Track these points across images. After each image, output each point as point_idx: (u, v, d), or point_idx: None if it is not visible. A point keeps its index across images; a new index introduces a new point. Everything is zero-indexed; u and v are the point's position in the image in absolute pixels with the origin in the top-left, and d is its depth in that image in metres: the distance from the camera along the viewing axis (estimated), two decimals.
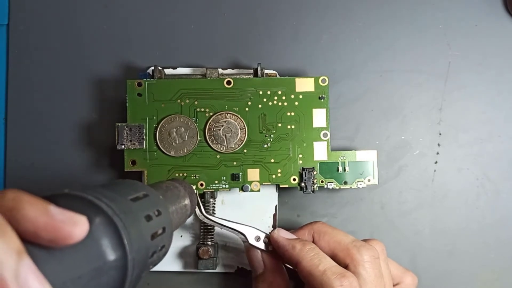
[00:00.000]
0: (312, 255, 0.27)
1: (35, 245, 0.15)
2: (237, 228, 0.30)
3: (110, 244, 0.17)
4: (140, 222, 0.19)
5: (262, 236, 0.30)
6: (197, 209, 0.30)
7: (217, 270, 0.34)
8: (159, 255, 0.21)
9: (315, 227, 0.30)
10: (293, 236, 0.29)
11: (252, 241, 0.29)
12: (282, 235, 0.29)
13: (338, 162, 0.33)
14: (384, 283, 0.28)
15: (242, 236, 0.30)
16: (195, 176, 0.32)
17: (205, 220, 0.30)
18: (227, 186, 0.32)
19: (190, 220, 0.34)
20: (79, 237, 0.16)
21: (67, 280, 0.15)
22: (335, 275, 0.26)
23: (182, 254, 0.34)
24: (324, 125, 0.33)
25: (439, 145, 0.36)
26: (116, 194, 0.19)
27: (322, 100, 0.33)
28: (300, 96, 0.33)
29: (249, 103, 0.32)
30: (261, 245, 0.30)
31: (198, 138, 0.32)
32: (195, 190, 0.32)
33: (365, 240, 0.30)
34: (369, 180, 0.33)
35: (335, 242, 0.28)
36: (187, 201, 0.26)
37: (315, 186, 0.32)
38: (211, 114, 0.32)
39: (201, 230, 0.33)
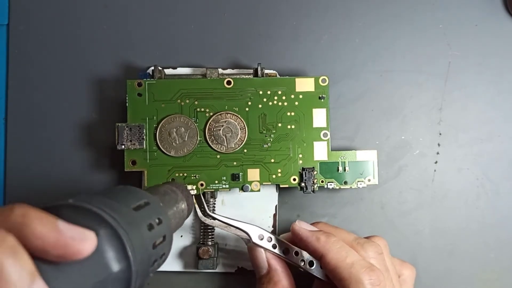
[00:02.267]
0: (338, 248, 0.27)
1: (43, 260, 0.15)
2: (241, 226, 0.29)
3: (115, 256, 0.17)
4: (143, 232, 0.19)
5: (266, 235, 0.29)
6: (198, 211, 0.30)
7: (217, 270, 0.34)
8: (159, 262, 0.21)
9: (318, 227, 0.30)
10: (314, 228, 0.29)
11: (255, 240, 0.29)
12: (304, 226, 0.29)
13: (338, 162, 0.33)
14: (391, 277, 0.28)
15: (245, 235, 0.29)
16: (195, 176, 0.32)
17: (207, 221, 0.30)
18: (227, 186, 0.32)
19: (190, 220, 0.34)
20: (88, 253, 0.16)
21: None
22: (363, 269, 0.26)
23: (182, 254, 0.34)
24: (324, 125, 0.33)
25: (439, 145, 0.36)
26: (119, 204, 0.19)
27: (322, 100, 0.33)
28: (300, 96, 0.33)
29: (249, 103, 0.32)
30: (264, 244, 0.29)
31: (198, 138, 0.32)
32: (194, 191, 0.32)
33: (367, 237, 0.30)
34: (369, 180, 0.33)
35: None
36: (184, 205, 0.26)
37: (315, 186, 0.32)
38: (211, 114, 0.32)
39: (201, 230, 0.33)
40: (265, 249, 0.29)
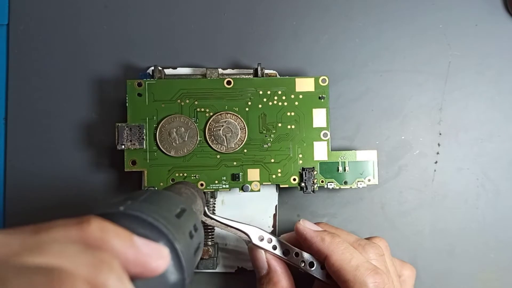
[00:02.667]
0: (343, 249, 0.27)
1: None
2: (241, 228, 0.29)
3: (172, 268, 0.17)
4: (188, 242, 0.19)
5: (266, 236, 0.29)
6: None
7: (217, 270, 0.34)
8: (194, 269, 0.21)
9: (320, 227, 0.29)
10: (318, 228, 0.29)
11: (255, 241, 0.29)
12: (308, 226, 0.28)
13: (338, 162, 0.33)
14: (392, 279, 0.28)
15: (245, 236, 0.29)
16: (195, 176, 0.32)
17: (208, 221, 0.30)
18: (227, 186, 0.32)
19: None
20: (163, 270, 0.16)
21: None
22: (368, 271, 0.26)
23: None
24: (324, 125, 0.33)
25: (439, 145, 0.36)
26: (165, 212, 0.19)
27: (322, 100, 0.33)
28: (300, 96, 0.33)
29: (249, 103, 0.32)
30: (265, 245, 0.29)
31: (198, 138, 0.32)
32: None
33: (368, 238, 0.30)
34: (369, 180, 0.33)
35: None
36: (200, 206, 0.27)
37: (315, 186, 0.32)
38: (211, 114, 0.32)
39: None
40: (265, 250, 0.29)
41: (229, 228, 0.30)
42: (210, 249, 0.32)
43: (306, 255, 0.28)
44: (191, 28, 0.36)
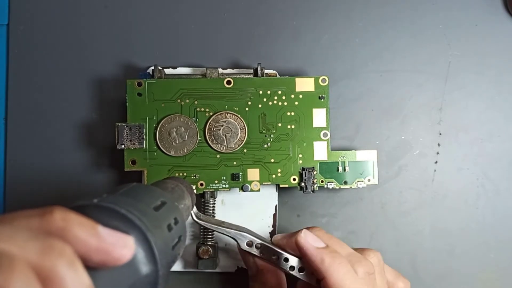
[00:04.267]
0: (342, 274, 0.25)
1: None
2: (230, 234, 0.29)
3: (144, 259, 0.17)
4: (165, 234, 0.19)
5: (255, 241, 0.29)
6: (191, 213, 0.30)
7: (217, 270, 0.34)
8: (174, 263, 0.21)
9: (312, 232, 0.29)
10: (321, 244, 0.27)
11: (244, 246, 0.29)
12: (310, 241, 0.27)
13: (338, 162, 0.33)
14: None
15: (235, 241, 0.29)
16: (195, 176, 0.32)
17: (201, 222, 0.30)
18: (227, 186, 0.32)
19: (190, 220, 0.34)
20: (128, 259, 0.16)
21: None
22: None
23: (182, 254, 0.34)
24: (324, 125, 0.33)
25: (439, 145, 0.36)
26: (142, 204, 0.19)
27: (322, 100, 0.33)
28: (300, 96, 0.33)
29: (249, 103, 0.32)
30: (253, 251, 0.29)
31: (198, 138, 0.32)
32: (194, 191, 0.32)
33: (361, 250, 0.29)
34: (369, 180, 0.33)
35: None
36: (189, 201, 0.26)
37: (315, 186, 0.32)
38: (211, 114, 0.32)
39: (201, 230, 0.33)
40: (253, 255, 0.29)
41: (220, 229, 0.30)
42: (210, 249, 0.32)
43: (295, 260, 0.28)
44: (191, 28, 0.36)
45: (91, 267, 0.15)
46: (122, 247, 0.16)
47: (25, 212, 0.15)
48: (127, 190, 0.20)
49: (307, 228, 0.28)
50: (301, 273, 0.28)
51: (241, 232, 0.29)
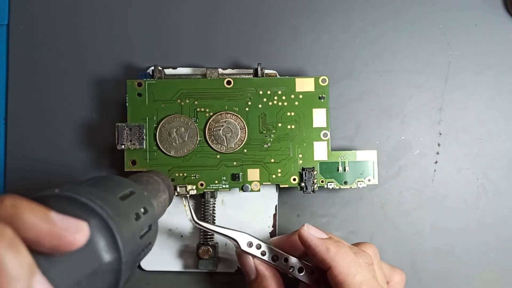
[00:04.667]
0: (348, 262, 0.25)
1: (36, 252, 0.15)
2: (229, 234, 0.29)
3: (105, 247, 0.17)
4: (131, 222, 0.19)
5: (255, 242, 0.29)
6: (189, 215, 0.30)
7: (217, 270, 0.34)
8: (145, 252, 0.21)
9: None
10: (323, 235, 0.27)
11: (244, 247, 0.29)
12: (313, 232, 0.27)
13: (338, 162, 0.33)
14: None
15: (235, 242, 0.29)
16: (195, 176, 0.32)
17: (197, 226, 0.30)
18: (227, 186, 0.32)
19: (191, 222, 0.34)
20: (81, 244, 0.16)
21: (68, 286, 0.16)
22: None
23: (182, 254, 0.34)
24: (324, 125, 0.33)
25: (439, 145, 0.36)
26: (106, 193, 0.19)
27: (322, 100, 0.33)
28: (300, 96, 0.33)
29: (249, 103, 0.32)
30: (253, 251, 0.29)
31: (198, 138, 0.32)
32: (194, 191, 0.32)
33: (357, 244, 0.29)
34: (369, 180, 0.33)
35: None
36: (166, 195, 0.26)
37: (315, 186, 0.32)
38: (211, 114, 0.32)
39: (201, 230, 0.33)
40: (253, 256, 0.29)
41: (217, 234, 0.29)
42: (210, 249, 0.32)
43: (294, 261, 0.28)
44: (191, 28, 0.36)
45: (46, 253, 0.15)
46: (75, 231, 0.16)
47: None
48: (93, 181, 0.20)
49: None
50: (300, 274, 0.28)
51: (240, 233, 0.29)
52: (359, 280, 0.25)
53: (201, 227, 0.30)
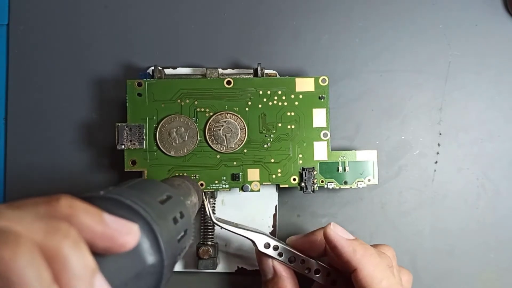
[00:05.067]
0: (374, 265, 0.25)
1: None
2: (247, 235, 0.29)
3: (149, 249, 0.17)
4: (170, 226, 0.19)
5: (272, 243, 0.29)
6: (209, 213, 0.30)
7: (217, 270, 0.34)
8: (181, 256, 0.21)
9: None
10: (350, 236, 0.27)
11: (261, 248, 0.29)
12: (339, 233, 0.26)
13: (338, 162, 0.33)
14: None
15: (252, 243, 0.29)
16: (195, 176, 0.32)
17: (216, 224, 0.30)
18: (227, 186, 0.32)
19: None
20: (132, 246, 0.16)
21: (116, 287, 0.16)
22: None
23: (182, 254, 0.34)
24: (324, 125, 0.33)
25: (439, 145, 0.36)
26: (147, 197, 0.19)
27: (322, 100, 0.33)
28: (300, 96, 0.33)
29: (249, 103, 0.32)
30: (270, 252, 0.29)
31: (198, 138, 0.32)
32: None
33: (375, 246, 0.29)
34: (369, 180, 0.33)
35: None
36: (196, 199, 0.27)
37: (315, 186, 0.32)
38: (211, 114, 0.32)
39: (201, 230, 0.33)
40: (271, 257, 0.29)
41: (235, 233, 0.30)
42: (210, 249, 0.32)
43: (312, 262, 0.28)
44: (191, 28, 0.36)
45: (97, 254, 0.15)
46: (126, 233, 0.16)
47: (33, 199, 0.15)
48: (133, 184, 0.20)
49: (322, 228, 0.28)
50: (317, 275, 0.28)
51: (258, 234, 0.29)
52: (385, 286, 0.25)
53: (219, 226, 0.30)
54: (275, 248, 0.29)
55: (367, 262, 0.25)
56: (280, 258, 0.29)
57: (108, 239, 0.15)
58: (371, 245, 0.29)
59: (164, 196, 0.21)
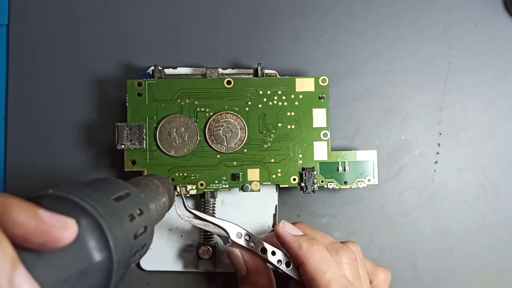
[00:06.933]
0: (319, 259, 0.26)
1: (24, 249, 0.15)
2: (219, 223, 0.29)
3: (96, 246, 0.17)
4: (124, 223, 0.19)
5: (244, 233, 0.29)
6: (177, 210, 0.29)
7: (217, 270, 0.34)
8: (141, 253, 0.21)
9: (297, 227, 0.29)
10: (298, 232, 0.28)
11: (233, 237, 0.29)
12: (288, 230, 0.28)
13: (338, 162, 0.33)
14: (362, 285, 0.28)
15: (224, 234, 0.29)
16: (195, 176, 0.32)
17: (190, 211, 0.29)
18: (227, 186, 0.32)
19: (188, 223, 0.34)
20: (69, 241, 0.16)
21: (55, 283, 0.16)
22: (341, 287, 0.25)
23: (182, 254, 0.34)
24: (324, 125, 0.33)
25: (439, 145, 0.36)
26: (100, 194, 0.19)
27: (322, 100, 0.33)
28: (300, 96, 0.33)
29: (249, 103, 0.32)
30: (242, 242, 0.29)
31: (198, 138, 0.32)
32: (195, 191, 0.32)
33: (342, 243, 0.29)
34: (369, 180, 0.33)
35: None
36: (165, 198, 0.26)
37: (315, 186, 0.32)
38: (211, 114, 0.32)
39: (201, 230, 0.33)
40: (242, 247, 0.29)
41: (208, 225, 0.29)
42: (210, 249, 0.32)
43: (282, 254, 0.28)
44: (191, 28, 0.36)
45: (35, 250, 0.15)
46: (62, 228, 0.16)
47: None
48: (89, 183, 0.20)
49: (293, 223, 0.29)
50: (288, 268, 0.28)
51: (230, 223, 0.29)
52: (329, 277, 0.25)
53: (192, 214, 0.29)
54: (247, 238, 0.29)
55: (312, 256, 0.26)
56: (251, 249, 0.29)
57: (42, 234, 0.15)
58: (340, 242, 0.29)
59: (122, 193, 0.21)
